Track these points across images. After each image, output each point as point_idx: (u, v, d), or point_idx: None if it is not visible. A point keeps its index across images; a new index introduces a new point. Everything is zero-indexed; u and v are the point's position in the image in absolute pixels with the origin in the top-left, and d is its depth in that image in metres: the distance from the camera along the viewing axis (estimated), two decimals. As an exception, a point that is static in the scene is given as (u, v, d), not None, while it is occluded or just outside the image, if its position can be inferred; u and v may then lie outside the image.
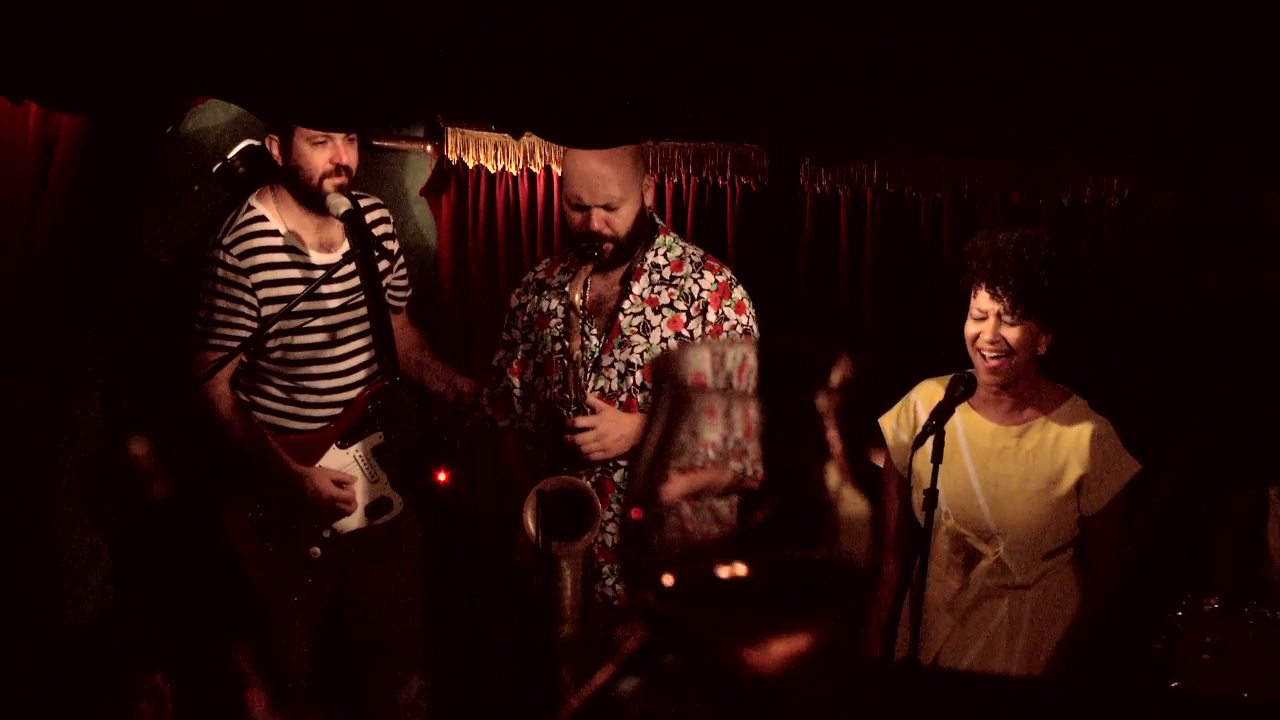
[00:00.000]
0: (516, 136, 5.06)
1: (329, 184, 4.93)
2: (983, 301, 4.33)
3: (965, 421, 4.50)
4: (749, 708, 0.99)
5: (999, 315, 4.30)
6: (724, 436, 1.01)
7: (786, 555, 0.99)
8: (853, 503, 0.99)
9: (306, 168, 4.91)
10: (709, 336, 4.76)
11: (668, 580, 0.98)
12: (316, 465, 5.10)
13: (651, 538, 1.01)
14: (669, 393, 1.01)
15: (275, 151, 4.93)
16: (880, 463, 4.92)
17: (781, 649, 0.97)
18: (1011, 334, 4.31)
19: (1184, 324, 3.20)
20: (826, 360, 1.01)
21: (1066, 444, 4.39)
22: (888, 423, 4.70)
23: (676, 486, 1.01)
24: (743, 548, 1.00)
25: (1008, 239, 4.32)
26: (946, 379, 4.45)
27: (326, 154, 4.90)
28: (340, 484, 5.09)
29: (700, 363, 1.05)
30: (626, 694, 1.18)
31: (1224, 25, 2.91)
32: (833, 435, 0.99)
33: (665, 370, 1.02)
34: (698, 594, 0.98)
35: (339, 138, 4.91)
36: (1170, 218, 3.18)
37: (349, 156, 4.97)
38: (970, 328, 4.38)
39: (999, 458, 4.45)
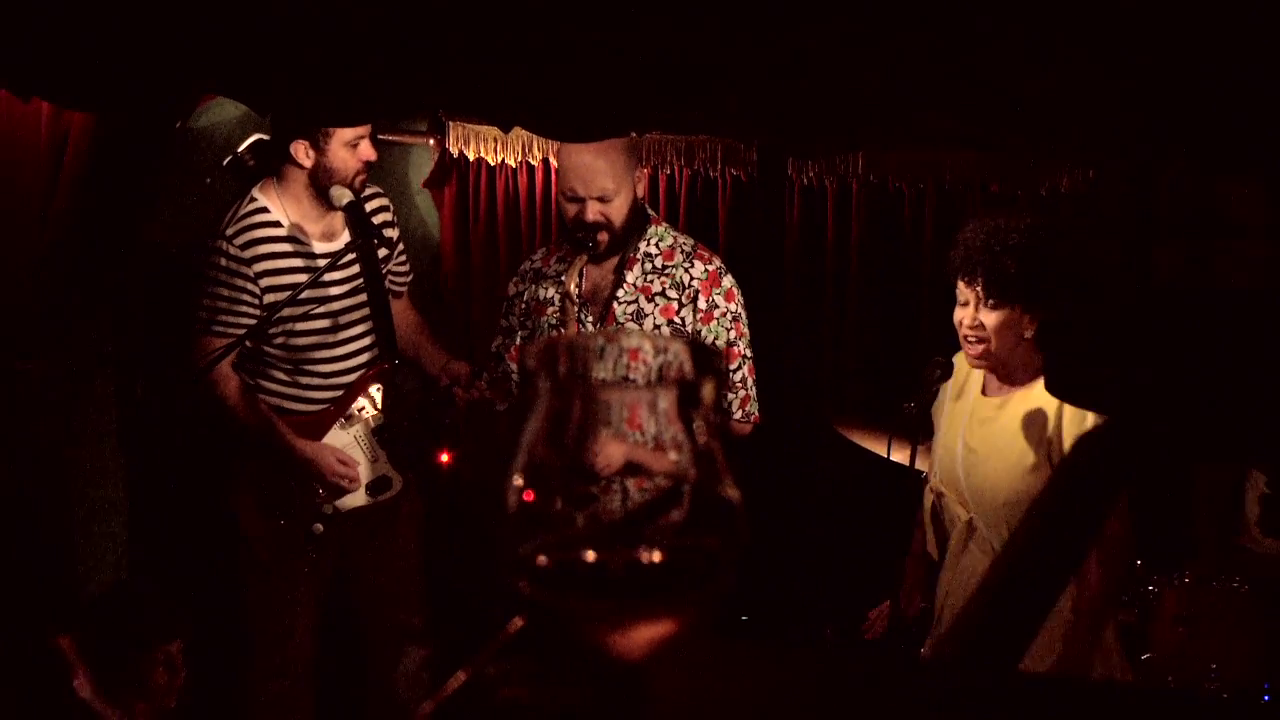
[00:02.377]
0: (506, 130, 5.06)
1: (359, 181, 5.00)
2: (961, 290, 4.35)
3: (974, 391, 4.51)
4: (615, 692, 0.99)
5: (975, 303, 4.31)
6: (611, 423, 1.00)
7: (656, 542, 0.98)
8: (728, 492, 0.98)
9: (343, 168, 4.95)
10: (700, 323, 4.77)
11: (541, 564, 0.97)
12: (322, 441, 5.11)
13: (541, 521, 1.00)
14: (548, 382, 1.00)
15: (301, 155, 4.93)
16: (868, 445, 4.92)
17: (646, 635, 0.96)
18: (989, 319, 4.31)
19: (1138, 313, 3.18)
20: (704, 352, 1.00)
21: (1042, 417, 4.39)
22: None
23: (616, 453, 1.00)
24: (619, 535, 0.99)
25: (979, 230, 4.32)
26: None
27: (360, 154, 4.96)
28: (344, 462, 5.10)
29: (590, 351, 1.05)
30: (496, 678, 1.18)
31: (1180, 20, 2.90)
32: (710, 425, 0.98)
33: (542, 361, 1.01)
34: (566, 580, 0.97)
35: (367, 138, 4.97)
36: (1122, 209, 3.17)
37: (374, 152, 5.05)
38: (955, 315, 4.40)
39: (981, 426, 4.45)
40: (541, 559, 0.97)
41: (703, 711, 1.14)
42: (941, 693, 1.27)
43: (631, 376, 1.04)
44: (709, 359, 1.00)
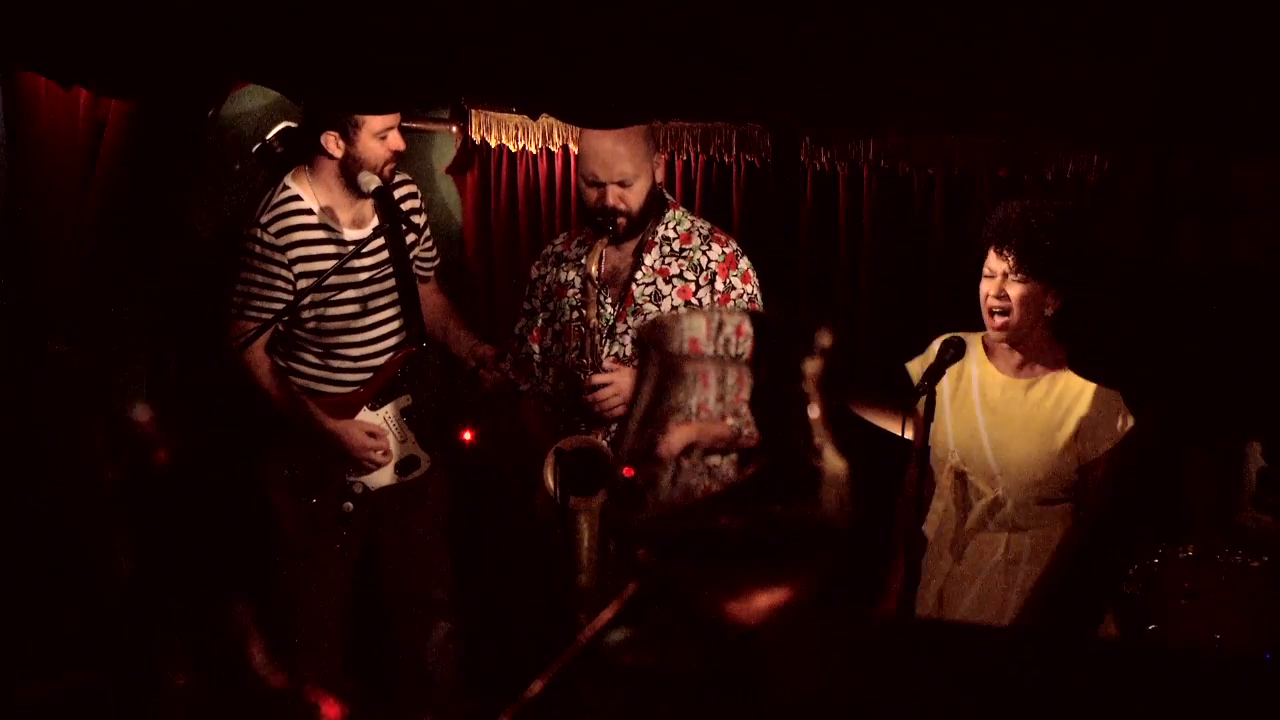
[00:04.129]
0: (534, 118, 5.05)
1: (388, 170, 4.99)
2: (991, 261, 4.39)
3: (980, 372, 4.53)
4: (731, 657, 0.98)
5: (1005, 274, 4.34)
6: (719, 397, 0.99)
7: (769, 512, 0.98)
8: (832, 463, 0.98)
9: (373, 158, 4.95)
10: (716, 304, 4.76)
11: (658, 532, 0.96)
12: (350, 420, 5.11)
13: (644, 494, 0.99)
14: (657, 359, 1.00)
15: (331, 145, 4.93)
16: (884, 424, 4.91)
17: (762, 601, 0.96)
18: (1015, 291, 4.34)
19: (1160, 294, 3.19)
20: (810, 328, 0.99)
21: (1070, 397, 4.41)
22: (914, 367, 4.71)
23: (676, 439, 1.00)
24: (729, 505, 0.98)
25: (1017, 205, 4.37)
26: (967, 333, 4.48)
27: (388, 144, 4.96)
28: (373, 435, 5.10)
29: (695, 329, 1.04)
30: (616, 644, 1.17)
31: (1194, 6, 2.89)
32: (815, 399, 0.98)
33: (654, 338, 1.01)
34: (684, 549, 0.97)
35: (396, 128, 4.96)
36: (1145, 192, 3.17)
37: (402, 143, 5.04)
38: (982, 286, 4.43)
39: (1007, 404, 4.47)
40: (658, 529, 0.96)
41: (816, 678, 1.14)
42: (1042, 661, 1.27)
43: (736, 352, 1.04)
44: (813, 333, 0.99)
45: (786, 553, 0.96)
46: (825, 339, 0.99)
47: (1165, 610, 4.39)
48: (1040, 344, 4.46)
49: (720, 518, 0.98)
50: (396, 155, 5.00)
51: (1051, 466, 4.39)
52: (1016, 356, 4.49)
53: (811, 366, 0.98)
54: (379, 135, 4.91)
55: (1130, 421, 4.35)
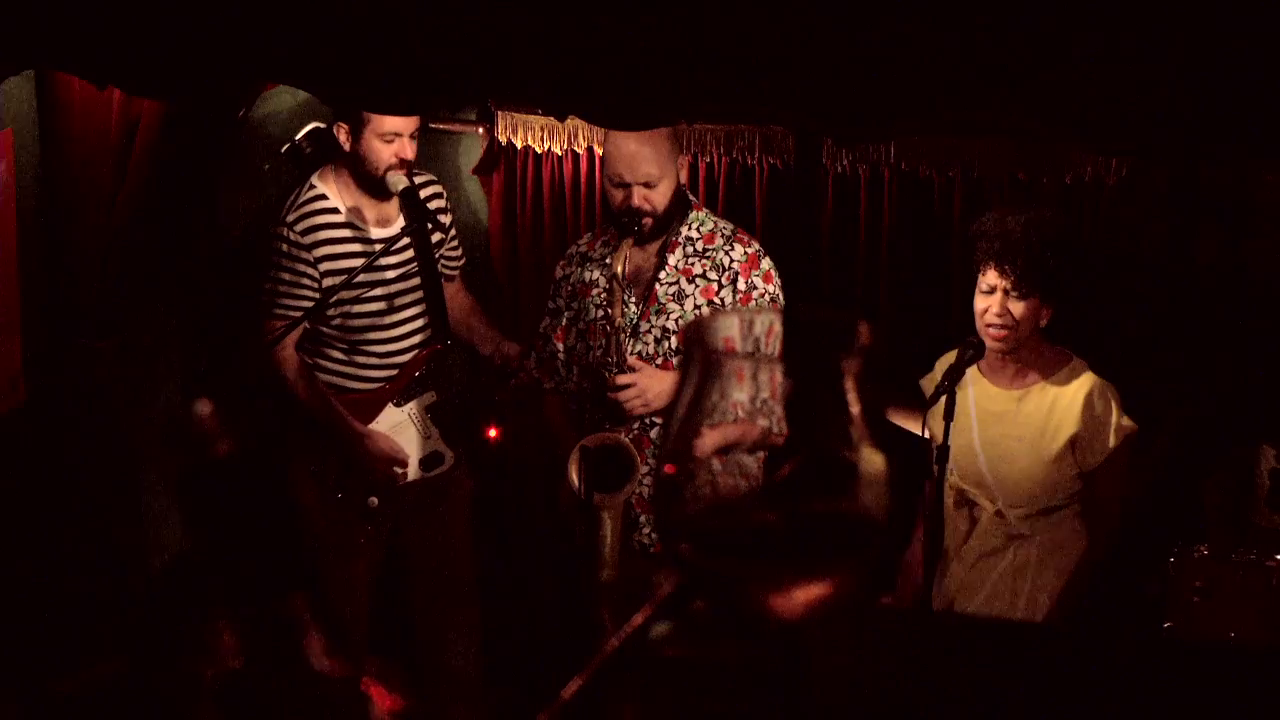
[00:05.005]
0: (561, 120, 5.05)
1: (391, 175, 4.96)
2: (991, 278, 4.34)
3: (976, 388, 4.52)
4: (773, 651, 0.98)
5: (1006, 291, 4.31)
6: (751, 396, 1.00)
7: (809, 508, 0.98)
8: (870, 460, 0.98)
9: (373, 159, 4.94)
10: (739, 304, 4.77)
11: (702, 527, 0.97)
12: (375, 425, 5.12)
13: (684, 491, 1.00)
14: (700, 356, 1.00)
15: (343, 138, 4.94)
16: (910, 426, 4.91)
17: (803, 596, 0.96)
18: (1017, 308, 4.32)
19: (1178, 295, 3.18)
20: (849, 327, 1.00)
21: (1061, 406, 4.39)
22: (927, 384, 4.71)
23: (708, 441, 1.00)
24: (769, 501, 0.99)
25: (1016, 221, 4.33)
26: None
27: (393, 149, 4.94)
28: (395, 452, 5.11)
29: (729, 328, 1.04)
30: (660, 637, 1.18)
31: (1216, 9, 2.89)
32: (853, 396, 0.98)
33: (697, 335, 1.01)
34: (726, 544, 0.97)
35: (405, 135, 4.94)
36: (1165, 196, 3.16)
37: (411, 151, 5.01)
38: (979, 302, 4.39)
39: (999, 420, 4.46)
40: (701, 524, 0.97)
41: (858, 672, 1.14)
42: (1077, 660, 1.27)
43: (769, 350, 1.04)
44: (852, 330, 0.99)
45: (828, 549, 0.97)
46: (865, 337, 0.99)
47: (1181, 608, 4.39)
48: (1033, 354, 4.45)
49: (762, 514, 0.98)
50: (403, 163, 4.97)
51: (1049, 477, 4.39)
52: (1011, 368, 4.48)
53: (851, 364, 0.98)
54: (385, 138, 4.90)
55: (1126, 424, 4.34)
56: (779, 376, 1.00)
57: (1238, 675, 1.27)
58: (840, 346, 0.98)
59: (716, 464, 1.00)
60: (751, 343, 1.04)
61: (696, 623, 1.19)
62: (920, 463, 4.69)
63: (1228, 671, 1.28)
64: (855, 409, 0.98)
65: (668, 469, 1.00)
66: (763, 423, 0.99)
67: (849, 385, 0.98)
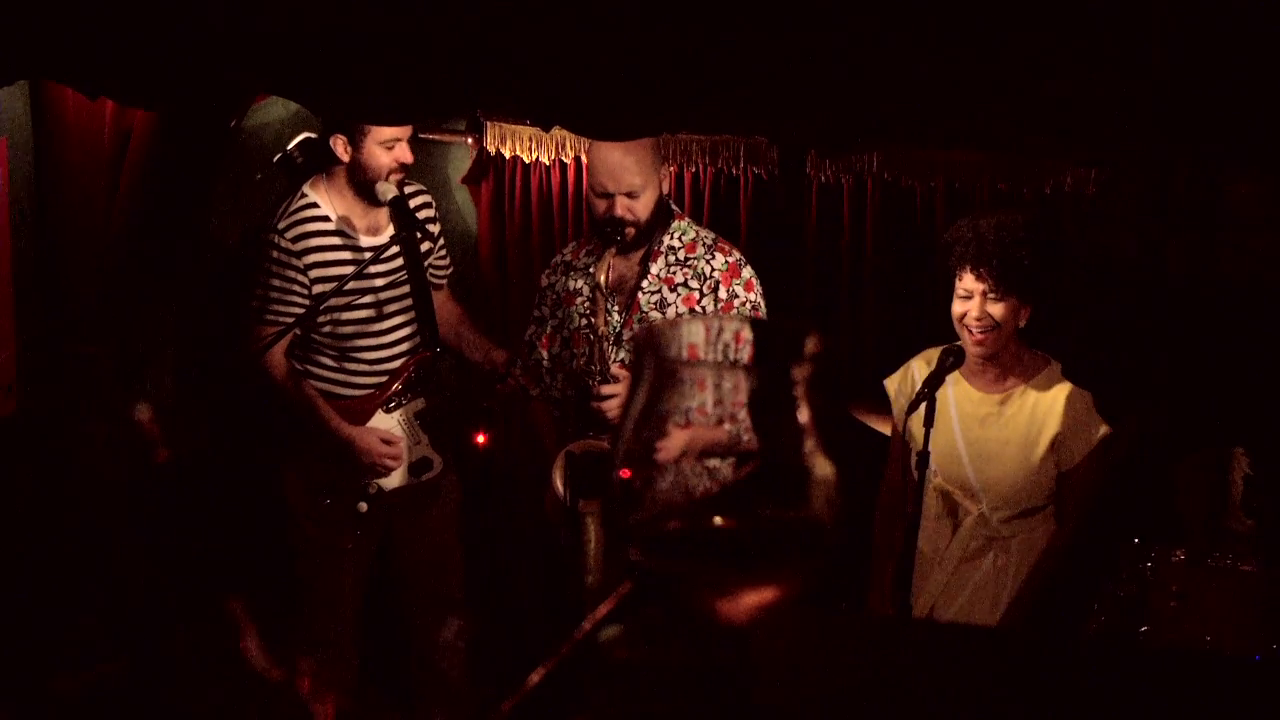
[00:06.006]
0: (546, 130, 5.06)
1: (393, 179, 4.97)
2: (968, 282, 4.34)
3: (956, 390, 4.51)
4: (721, 653, 0.98)
5: (984, 294, 4.31)
6: (716, 403, 1.00)
7: (760, 513, 0.98)
8: (821, 467, 0.98)
9: (375, 166, 4.93)
10: (720, 312, 4.77)
11: (651, 533, 0.97)
12: (365, 426, 5.11)
13: (642, 495, 1.00)
14: (652, 363, 1.00)
15: (341, 149, 4.94)
16: (883, 429, 4.92)
17: (751, 600, 0.96)
18: (996, 310, 4.32)
19: (1151, 303, 3.19)
20: (800, 334, 1.00)
21: (1043, 408, 4.40)
22: (891, 385, 4.71)
23: (676, 441, 1.00)
24: (721, 505, 0.99)
25: (988, 224, 4.33)
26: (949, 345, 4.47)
27: (394, 155, 4.94)
28: (387, 442, 5.11)
29: (693, 335, 1.04)
30: (609, 640, 1.18)
31: (1189, 22, 2.90)
32: (803, 403, 0.98)
33: (648, 343, 1.01)
34: (676, 548, 0.97)
35: (404, 140, 4.95)
36: (1139, 206, 3.17)
37: (409, 155, 5.02)
38: (957, 306, 4.39)
39: (982, 423, 4.46)
40: (652, 528, 0.97)
41: (803, 673, 1.14)
42: (1029, 662, 1.27)
43: (734, 358, 1.04)
44: (801, 340, 0.99)
45: (775, 553, 0.97)
46: (813, 344, 0.99)
47: (1157, 612, 4.39)
48: (1013, 356, 4.45)
49: (712, 518, 0.98)
50: (403, 167, 4.98)
51: (1031, 479, 4.39)
52: (992, 371, 4.48)
53: (800, 371, 0.98)
54: (385, 145, 4.90)
55: (1101, 426, 4.35)
56: (745, 383, 1.00)
57: (1211, 682, 1.27)
58: (791, 353, 0.99)
59: (686, 467, 1.00)
60: (718, 350, 1.04)
61: (647, 625, 1.19)
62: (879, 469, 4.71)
63: (1200, 679, 1.28)
64: (805, 416, 0.98)
65: (623, 473, 1.00)
66: (729, 428, 0.99)
67: (799, 392, 0.98)
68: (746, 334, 1.04)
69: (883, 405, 4.84)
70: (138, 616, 5.09)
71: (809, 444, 0.98)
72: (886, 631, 1.28)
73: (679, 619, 1.04)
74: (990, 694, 1.20)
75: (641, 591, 1.17)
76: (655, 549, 0.98)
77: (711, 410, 1.00)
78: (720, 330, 1.04)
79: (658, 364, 1.00)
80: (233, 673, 4.74)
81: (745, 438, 0.99)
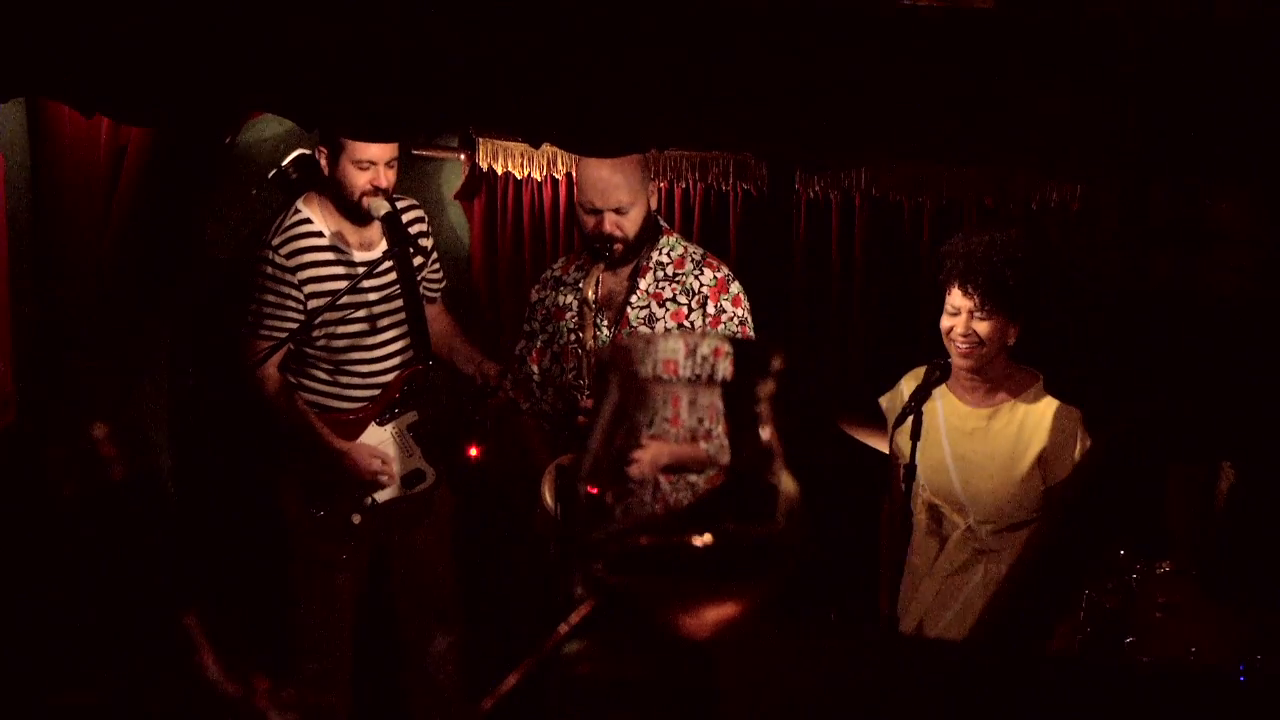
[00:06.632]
0: (536, 147, 5.07)
1: (365, 200, 4.95)
2: (956, 298, 4.34)
3: (944, 405, 4.51)
4: (684, 668, 0.99)
5: (970, 311, 4.32)
6: (690, 419, 1.00)
7: (723, 529, 0.98)
8: (784, 481, 0.98)
9: (349, 185, 4.93)
10: (709, 327, 4.77)
11: (614, 548, 0.97)
12: (358, 441, 5.11)
13: (610, 511, 1.00)
14: (617, 380, 1.00)
15: (323, 163, 4.95)
16: (875, 443, 4.92)
17: (714, 615, 0.96)
18: (982, 327, 4.32)
19: (1133, 318, 3.20)
20: (765, 352, 1.00)
21: (1030, 424, 4.40)
22: (884, 402, 4.72)
23: (649, 458, 1.00)
24: (685, 521, 0.99)
25: (978, 242, 4.33)
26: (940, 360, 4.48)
27: (368, 176, 4.92)
28: (379, 458, 5.11)
29: (672, 351, 1.04)
30: (572, 655, 1.18)
31: (1168, 45, 2.91)
32: (767, 420, 0.98)
33: (614, 359, 1.01)
34: (638, 563, 0.97)
35: (381, 163, 4.93)
36: (1121, 221, 3.19)
37: (387, 180, 4.99)
38: (945, 321, 4.39)
39: (970, 438, 4.46)
40: (615, 544, 0.97)
41: (766, 686, 1.14)
42: (997, 673, 1.27)
43: (708, 374, 1.03)
44: (768, 357, 0.99)
45: (738, 569, 0.97)
46: (777, 362, 0.99)
47: (1142, 624, 4.40)
48: (1001, 372, 4.45)
49: (675, 534, 0.98)
50: (377, 190, 4.95)
51: (1019, 494, 4.39)
52: (981, 386, 4.48)
53: (764, 389, 0.99)
54: (360, 165, 4.89)
55: (1086, 442, 4.36)
56: (719, 401, 1.00)
57: (1194, 695, 1.27)
58: (755, 370, 0.99)
59: (665, 483, 1.00)
60: (697, 366, 1.04)
61: (610, 640, 1.19)
62: (878, 482, 4.71)
63: (1184, 692, 1.28)
64: (768, 433, 0.98)
65: (590, 489, 1.00)
66: (704, 445, 1.00)
67: (763, 409, 0.98)
68: (726, 348, 1.04)
69: (874, 419, 4.84)
70: (115, 634, 5.07)
71: (772, 460, 0.98)
72: (853, 645, 1.28)
73: (642, 634, 1.04)
74: (973, 709, 1.20)
75: (605, 607, 1.17)
76: (618, 564, 0.98)
77: (685, 427, 1.00)
78: (697, 346, 1.04)
79: (623, 381, 1.00)
80: (193, 689, 4.72)
81: (714, 454, 0.99)
